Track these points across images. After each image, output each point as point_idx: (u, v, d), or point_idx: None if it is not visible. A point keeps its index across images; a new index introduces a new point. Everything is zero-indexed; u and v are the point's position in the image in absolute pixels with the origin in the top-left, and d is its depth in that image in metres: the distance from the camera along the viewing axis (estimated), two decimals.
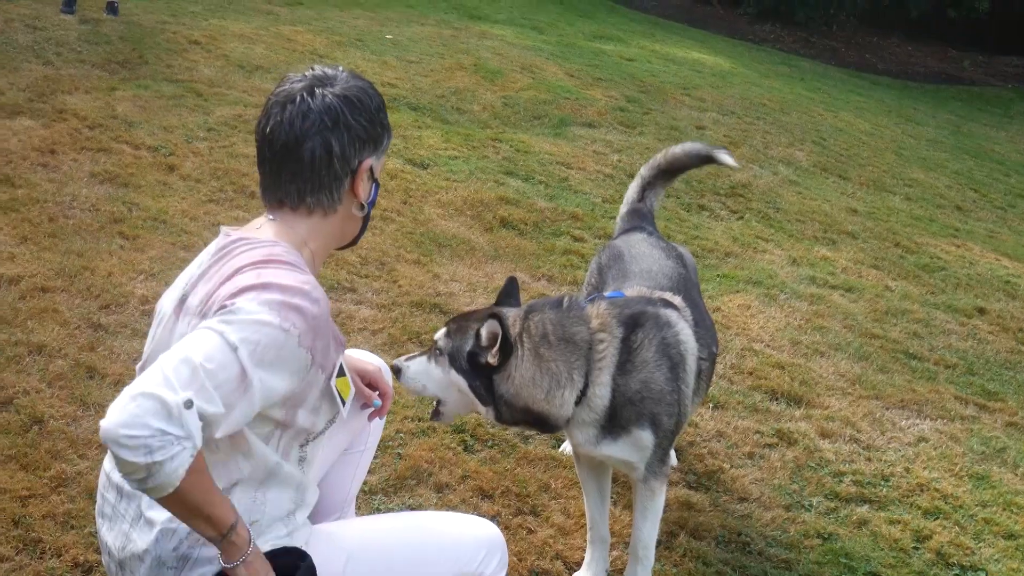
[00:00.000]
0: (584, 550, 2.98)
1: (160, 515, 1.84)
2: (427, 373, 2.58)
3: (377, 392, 2.32)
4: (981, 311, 5.67)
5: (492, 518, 3.00)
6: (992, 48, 17.01)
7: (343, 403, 1.94)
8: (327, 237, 1.99)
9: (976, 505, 3.66)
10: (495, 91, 8.06)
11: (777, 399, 4.17)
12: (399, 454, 3.31)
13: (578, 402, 2.57)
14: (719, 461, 3.64)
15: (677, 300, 2.86)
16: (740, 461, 3.67)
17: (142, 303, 3.88)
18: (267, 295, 1.75)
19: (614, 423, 2.61)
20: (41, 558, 2.61)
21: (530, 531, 3.08)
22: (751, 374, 4.33)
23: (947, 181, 8.67)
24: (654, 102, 8.83)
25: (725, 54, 12.82)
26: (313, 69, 1.98)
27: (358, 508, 2.69)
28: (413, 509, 3.04)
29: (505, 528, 2.99)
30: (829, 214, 6.89)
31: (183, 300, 1.89)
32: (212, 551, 1.79)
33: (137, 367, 1.94)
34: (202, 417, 1.61)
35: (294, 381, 1.79)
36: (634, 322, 2.64)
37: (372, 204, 2.02)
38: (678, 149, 3.65)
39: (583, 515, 3.04)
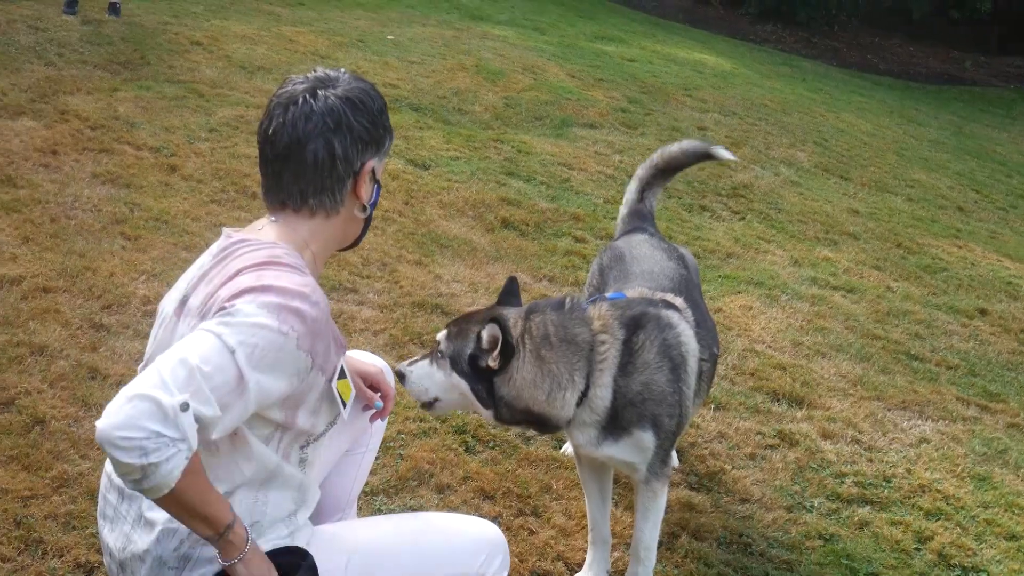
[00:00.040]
0: (585, 551, 2.98)
1: (160, 516, 1.85)
2: (430, 376, 2.58)
3: (379, 394, 2.32)
4: (983, 312, 5.67)
5: (493, 519, 3.00)
6: (994, 49, 17.02)
7: (344, 405, 1.94)
8: (329, 239, 1.99)
9: (978, 506, 3.66)
10: (497, 92, 8.06)
11: (778, 400, 4.17)
12: (401, 455, 3.31)
13: (579, 403, 2.58)
14: (720, 462, 3.64)
15: (679, 301, 2.86)
16: (742, 462, 3.67)
17: (144, 304, 3.88)
18: (266, 298, 1.75)
19: (615, 424, 2.61)
20: (43, 558, 2.61)
21: (531, 532, 3.08)
22: (752, 375, 4.33)
23: (949, 182, 8.66)
24: (656, 103, 8.83)
25: (726, 55, 12.83)
26: (315, 71, 1.99)
27: (360, 509, 2.69)
28: (415, 510, 3.03)
29: (506, 529, 2.99)
30: (831, 215, 6.88)
31: (184, 301, 1.89)
32: (213, 551, 1.79)
33: (139, 368, 1.94)
34: (198, 419, 1.61)
35: (292, 383, 1.79)
36: (636, 323, 2.64)
37: (374, 205, 2.03)
38: (675, 148, 3.65)
39: (584, 516, 3.04)
